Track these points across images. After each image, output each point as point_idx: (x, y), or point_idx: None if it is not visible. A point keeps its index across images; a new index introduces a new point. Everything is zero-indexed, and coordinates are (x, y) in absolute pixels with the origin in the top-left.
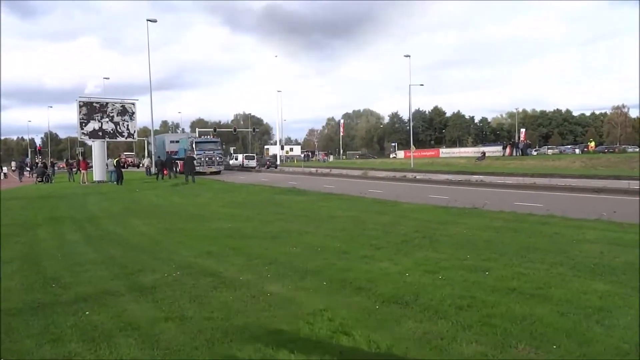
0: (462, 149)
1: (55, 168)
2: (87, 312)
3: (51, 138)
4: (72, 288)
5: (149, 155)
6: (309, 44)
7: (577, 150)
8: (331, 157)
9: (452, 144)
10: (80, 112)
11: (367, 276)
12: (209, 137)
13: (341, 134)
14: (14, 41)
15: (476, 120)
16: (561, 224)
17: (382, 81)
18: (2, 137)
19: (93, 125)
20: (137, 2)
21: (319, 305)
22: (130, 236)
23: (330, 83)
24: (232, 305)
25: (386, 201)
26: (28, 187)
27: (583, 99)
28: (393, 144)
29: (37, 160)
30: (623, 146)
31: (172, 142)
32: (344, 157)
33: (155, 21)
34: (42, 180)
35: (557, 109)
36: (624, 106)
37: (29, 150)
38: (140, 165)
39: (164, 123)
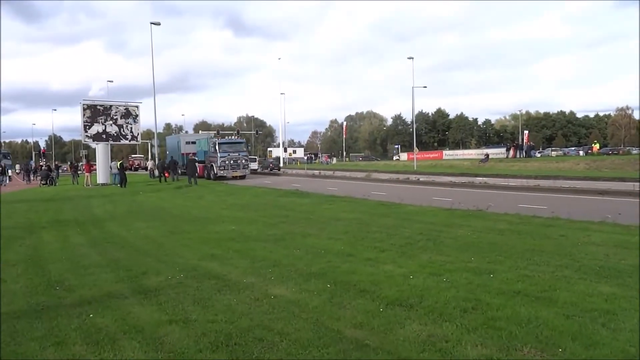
0: (466, 151)
1: (60, 171)
2: (91, 315)
3: (55, 141)
4: (76, 291)
5: (153, 158)
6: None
7: (581, 152)
8: (334, 159)
9: (456, 146)
10: (84, 115)
11: (372, 279)
12: (233, 137)
13: (344, 136)
14: (19, 45)
15: (479, 122)
16: (566, 226)
17: (385, 83)
18: (7, 140)
19: (97, 128)
20: (142, 5)
21: (324, 307)
22: (134, 239)
23: (334, 85)
24: (236, 308)
25: (390, 203)
26: (32, 189)
27: (587, 100)
28: (396, 146)
29: (40, 163)
30: (627, 148)
31: (187, 143)
32: (347, 159)
33: (159, 24)
34: (46, 183)
35: (561, 111)
36: (628, 108)
37: (33, 153)
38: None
39: (167, 125)
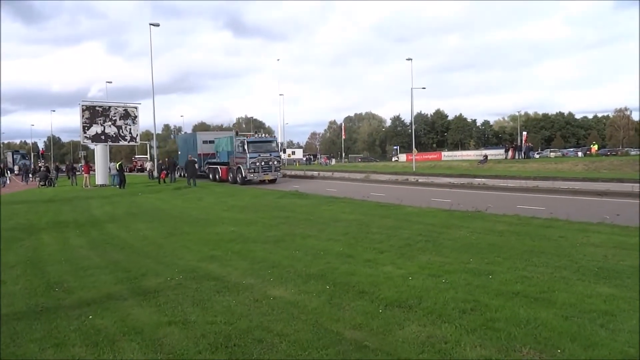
0: (465, 152)
1: (58, 173)
2: (90, 317)
3: (54, 142)
4: (76, 292)
5: (152, 159)
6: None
7: (579, 153)
8: (333, 160)
9: (454, 147)
10: (83, 116)
11: (371, 280)
12: (264, 135)
13: (343, 137)
14: (19, 46)
15: (478, 124)
16: (565, 227)
17: (385, 84)
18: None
19: (96, 129)
20: (142, 6)
21: (324, 308)
22: (133, 240)
23: (334, 86)
24: (235, 309)
25: (389, 205)
26: (31, 191)
27: (585, 102)
28: (395, 147)
29: (39, 164)
30: (626, 149)
31: (205, 142)
32: (346, 160)
33: (158, 25)
34: (45, 184)
35: (560, 112)
36: (626, 109)
37: (32, 154)
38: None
39: (166, 127)
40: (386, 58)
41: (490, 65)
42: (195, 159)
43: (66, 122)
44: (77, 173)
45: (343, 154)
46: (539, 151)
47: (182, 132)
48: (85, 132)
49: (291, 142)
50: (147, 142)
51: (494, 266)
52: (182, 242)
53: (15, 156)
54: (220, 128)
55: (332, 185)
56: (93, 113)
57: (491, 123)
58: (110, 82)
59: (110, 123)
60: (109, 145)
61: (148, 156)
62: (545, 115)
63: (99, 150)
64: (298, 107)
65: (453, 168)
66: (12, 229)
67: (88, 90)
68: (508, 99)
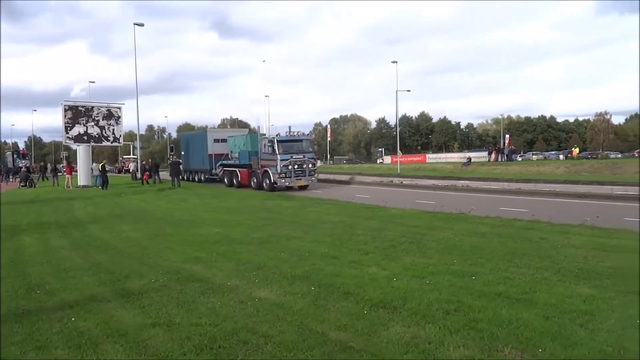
0: (449, 155)
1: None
2: (73, 319)
3: (35, 142)
4: (58, 294)
5: (135, 160)
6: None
7: (561, 156)
8: (319, 161)
9: (439, 149)
10: (65, 116)
11: (356, 281)
12: (296, 133)
13: (328, 138)
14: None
15: (462, 126)
16: (546, 229)
17: (371, 87)
18: None
19: (78, 129)
20: (127, 6)
21: (309, 310)
22: (116, 242)
23: (320, 88)
24: (220, 311)
25: (374, 206)
26: (12, 191)
27: (568, 105)
28: (380, 149)
29: (20, 165)
30: (606, 152)
31: (217, 141)
32: (331, 162)
33: (142, 25)
34: (25, 185)
35: (542, 116)
36: (606, 113)
37: (12, 154)
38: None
39: (150, 127)
40: (372, 60)
41: (475, 69)
42: (180, 160)
43: (48, 122)
44: (59, 174)
45: (328, 156)
46: (522, 154)
47: (167, 134)
48: (67, 133)
49: None
50: (130, 142)
51: (477, 267)
52: (166, 243)
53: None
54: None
55: (317, 186)
56: (76, 113)
57: (475, 126)
58: (94, 82)
59: (93, 123)
60: (92, 146)
61: (137, 156)
62: (528, 119)
63: (82, 151)
64: (284, 108)
65: (437, 170)
66: None
67: (71, 90)
68: (492, 102)
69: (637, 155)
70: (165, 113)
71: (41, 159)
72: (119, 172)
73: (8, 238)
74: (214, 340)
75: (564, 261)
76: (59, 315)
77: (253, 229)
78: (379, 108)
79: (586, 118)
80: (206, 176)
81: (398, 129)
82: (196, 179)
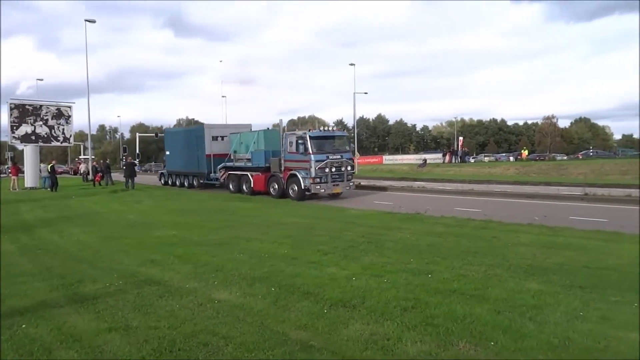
0: (405, 156)
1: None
2: (23, 326)
3: None
4: (6, 301)
5: (86, 161)
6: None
7: (511, 158)
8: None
9: (395, 151)
10: (11, 114)
11: (316, 281)
12: (331, 128)
13: None
14: None
15: (418, 129)
16: (498, 228)
17: (329, 88)
18: None
19: (25, 128)
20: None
21: (269, 310)
22: (68, 245)
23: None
24: (179, 314)
25: (332, 207)
26: None
27: (517, 109)
28: None
29: None
30: (552, 154)
31: (216, 138)
32: None
33: (94, 22)
34: None
35: (493, 119)
36: (553, 116)
37: None
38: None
39: (102, 127)
40: (330, 62)
41: (430, 73)
42: (135, 162)
43: None
44: (3, 175)
45: None
46: (474, 156)
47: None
48: (13, 132)
49: None
50: (81, 143)
51: (433, 266)
52: (120, 246)
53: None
54: (159, 130)
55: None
56: (23, 112)
57: (430, 128)
58: (42, 80)
59: (41, 122)
60: (40, 146)
61: (89, 157)
62: (480, 122)
63: (29, 151)
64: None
65: (394, 171)
66: None
67: (17, 87)
68: (446, 105)
69: (580, 157)
70: (118, 112)
71: None
72: (75, 173)
73: None
74: (173, 343)
75: (514, 258)
76: (9, 323)
77: (211, 230)
78: (336, 110)
79: (534, 121)
80: (201, 181)
81: (356, 131)
82: (186, 184)
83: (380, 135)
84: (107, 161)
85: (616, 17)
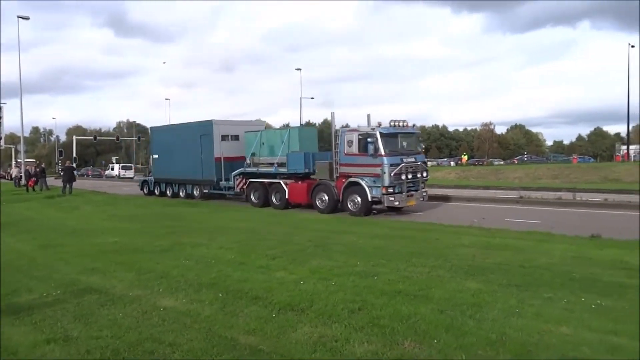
0: None
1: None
2: None
3: None
4: None
5: (18, 165)
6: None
7: (452, 163)
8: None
9: None
10: None
11: (264, 286)
12: (402, 124)
13: None
14: None
15: None
16: (441, 230)
17: (276, 93)
18: None
19: None
20: None
21: (217, 316)
22: None
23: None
24: (122, 323)
25: (280, 212)
26: None
27: (458, 116)
28: None
29: None
30: (490, 159)
31: (226, 138)
32: None
33: (27, 18)
34: None
35: (435, 125)
36: (491, 123)
37: None
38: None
39: (35, 129)
40: (276, 66)
41: (374, 79)
42: (74, 165)
43: None
44: None
45: None
46: None
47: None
48: None
49: None
50: (12, 146)
51: (379, 268)
52: (58, 254)
53: None
54: (98, 132)
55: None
56: None
57: None
58: None
59: None
60: None
61: (22, 161)
62: (422, 128)
63: None
64: (186, 112)
65: None
66: None
67: None
68: (390, 110)
69: (516, 162)
70: (53, 114)
71: None
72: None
73: None
74: (117, 352)
75: (455, 259)
76: None
77: (155, 237)
78: (283, 114)
79: (474, 128)
80: (205, 190)
81: None
82: (182, 194)
83: (327, 141)
84: (42, 165)
85: (549, 29)
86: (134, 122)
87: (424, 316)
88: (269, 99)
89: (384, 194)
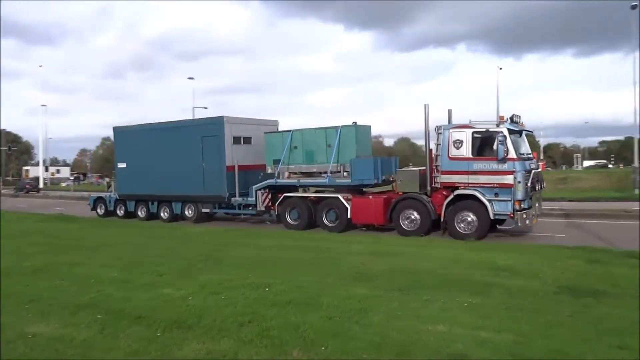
0: None
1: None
2: None
3: None
4: None
5: None
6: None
7: None
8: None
9: None
10: None
11: (149, 304)
12: (519, 121)
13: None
14: None
15: None
16: (332, 239)
17: (166, 101)
18: None
19: None
20: None
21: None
22: None
23: (109, 100)
24: None
25: (169, 225)
26: None
27: None
28: None
29: None
30: None
31: (239, 141)
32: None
33: None
34: None
35: None
36: (380, 136)
37: None
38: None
39: None
40: (168, 74)
41: (266, 91)
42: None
43: None
44: None
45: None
46: None
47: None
48: None
49: (55, 159)
50: None
51: (271, 279)
52: None
53: None
54: None
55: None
56: None
57: None
58: None
59: None
60: None
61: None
62: None
63: None
64: (65, 120)
65: None
66: None
67: None
68: (282, 123)
69: None
70: None
71: None
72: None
73: None
74: None
75: (345, 267)
76: None
77: (23, 257)
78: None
79: None
80: (206, 210)
81: None
82: (164, 214)
83: None
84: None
85: (431, 49)
86: (4, 129)
87: (313, 324)
88: (161, 108)
89: (516, 210)
